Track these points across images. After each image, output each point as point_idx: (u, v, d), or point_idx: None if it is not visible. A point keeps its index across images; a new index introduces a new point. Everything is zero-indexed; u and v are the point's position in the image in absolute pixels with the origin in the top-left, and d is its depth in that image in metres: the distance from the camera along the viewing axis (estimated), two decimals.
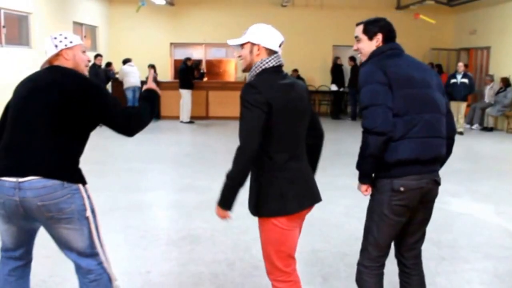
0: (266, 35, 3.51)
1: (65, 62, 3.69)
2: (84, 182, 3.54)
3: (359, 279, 3.88)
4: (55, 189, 3.34)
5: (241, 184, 3.28)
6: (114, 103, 3.68)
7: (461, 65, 16.37)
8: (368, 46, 3.76)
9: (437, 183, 3.68)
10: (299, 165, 3.47)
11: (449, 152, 3.85)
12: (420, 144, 3.50)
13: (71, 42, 3.74)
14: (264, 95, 3.23)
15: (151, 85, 4.04)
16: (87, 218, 3.49)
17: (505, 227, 6.85)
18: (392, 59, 3.64)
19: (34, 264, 4.51)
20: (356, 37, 3.83)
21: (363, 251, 3.84)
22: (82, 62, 3.82)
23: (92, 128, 3.63)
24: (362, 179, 3.71)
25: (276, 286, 3.57)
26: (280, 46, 3.52)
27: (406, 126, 3.48)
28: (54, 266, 5.23)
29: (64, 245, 3.56)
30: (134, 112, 3.79)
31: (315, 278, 5.20)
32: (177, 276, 5.16)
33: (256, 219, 3.53)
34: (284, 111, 3.29)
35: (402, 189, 3.51)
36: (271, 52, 3.46)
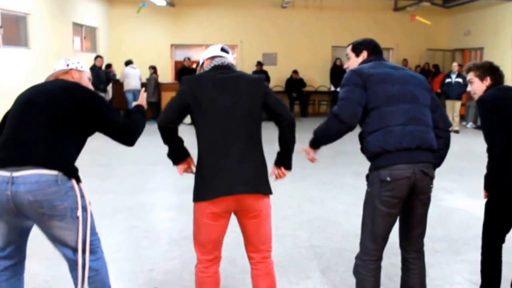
0: (205, 52, 3.97)
1: (71, 80, 3.86)
2: (78, 180, 3.54)
3: (356, 272, 4.03)
4: (49, 185, 3.34)
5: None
6: (115, 115, 3.82)
7: (455, 65, 16.49)
8: (356, 61, 4.18)
9: (426, 174, 3.78)
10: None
11: (446, 144, 4.02)
12: (401, 131, 3.69)
13: (81, 66, 3.97)
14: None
15: (142, 101, 4.25)
16: (77, 217, 3.47)
17: None
18: (370, 64, 3.99)
19: (36, 265, 4.64)
20: (346, 55, 4.28)
21: (361, 244, 3.98)
22: (86, 85, 3.95)
23: (90, 134, 3.75)
24: (313, 144, 4.06)
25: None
26: (222, 50, 3.93)
27: (385, 116, 3.73)
28: (55, 267, 5.20)
29: (57, 241, 3.56)
30: (133, 125, 3.93)
31: (314, 272, 5.31)
32: (179, 274, 5.24)
33: None
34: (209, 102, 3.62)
35: (388, 179, 3.68)
36: (212, 58, 3.88)
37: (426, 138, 3.77)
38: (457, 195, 8.30)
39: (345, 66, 4.32)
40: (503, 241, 4.37)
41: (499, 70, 4.46)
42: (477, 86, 4.43)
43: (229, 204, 3.62)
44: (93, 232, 3.69)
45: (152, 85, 18.17)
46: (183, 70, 18.09)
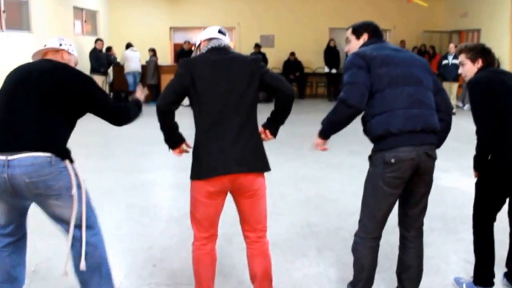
0: (203, 34, 4.03)
1: (60, 60, 3.90)
2: (71, 160, 3.62)
3: (354, 249, 4.08)
4: (43, 166, 3.43)
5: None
6: (105, 96, 3.92)
7: (452, 47, 16.50)
8: (356, 44, 4.16)
9: (430, 156, 3.83)
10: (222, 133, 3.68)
11: (448, 127, 4.06)
12: (405, 114, 3.71)
13: (72, 50, 4.01)
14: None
15: (140, 96, 4.36)
16: (71, 196, 3.55)
17: None
18: (372, 46, 3.98)
19: (39, 242, 4.71)
20: (346, 38, 4.26)
21: (360, 222, 4.04)
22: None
23: (80, 115, 3.80)
24: (321, 134, 4.01)
25: None
26: (219, 32, 3.97)
27: (390, 99, 3.73)
28: (58, 244, 5.29)
29: (56, 218, 3.68)
30: (123, 107, 4.01)
31: (310, 250, 5.38)
32: (177, 251, 5.30)
33: None
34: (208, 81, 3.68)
35: (393, 160, 3.70)
36: (209, 40, 3.91)
37: (430, 121, 3.81)
38: (453, 174, 8.35)
39: (345, 49, 4.32)
40: (494, 219, 4.41)
41: (491, 52, 4.46)
42: (469, 68, 4.43)
43: (224, 183, 3.67)
44: (90, 209, 3.77)
45: (152, 67, 18.33)
46: (182, 53, 18.21)
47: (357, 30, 4.17)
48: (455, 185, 7.72)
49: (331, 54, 20.47)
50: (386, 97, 3.74)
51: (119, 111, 3.96)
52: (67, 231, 3.66)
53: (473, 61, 4.39)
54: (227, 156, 3.63)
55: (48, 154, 3.45)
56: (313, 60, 21.78)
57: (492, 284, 4.45)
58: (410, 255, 4.13)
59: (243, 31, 21.73)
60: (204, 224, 3.86)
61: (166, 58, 21.50)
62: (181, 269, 4.89)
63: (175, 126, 3.90)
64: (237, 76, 3.70)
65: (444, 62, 16.25)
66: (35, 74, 3.66)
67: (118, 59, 18.65)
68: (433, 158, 3.88)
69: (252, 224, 3.93)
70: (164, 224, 6.16)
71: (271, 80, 3.80)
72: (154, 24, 21.61)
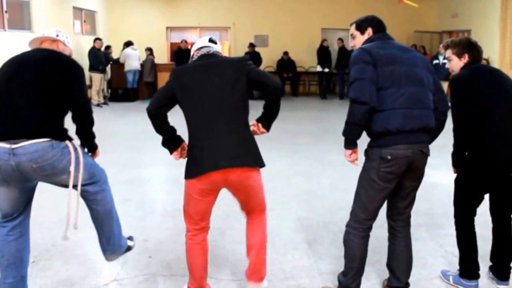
0: (195, 45, 4.19)
1: (56, 49, 4.07)
2: (70, 139, 3.83)
3: (346, 239, 4.18)
4: (47, 151, 3.62)
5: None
6: (85, 89, 4.10)
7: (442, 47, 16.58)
8: (362, 39, 4.19)
9: (424, 153, 3.95)
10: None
11: (441, 126, 4.15)
12: (405, 114, 3.79)
13: (68, 42, 4.19)
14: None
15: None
16: (69, 172, 3.76)
17: None
18: (378, 43, 4.01)
19: (39, 234, 4.80)
20: (351, 35, 4.29)
21: (352, 213, 4.14)
22: None
23: (71, 97, 3.92)
24: (346, 145, 4.02)
25: None
26: (210, 41, 4.13)
27: (391, 98, 3.80)
28: (56, 236, 5.39)
29: (62, 186, 3.89)
30: (91, 111, 4.11)
31: (301, 244, 5.49)
32: (172, 243, 5.40)
33: None
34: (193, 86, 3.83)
35: (389, 157, 3.81)
36: (199, 49, 4.08)
37: (427, 121, 3.91)
38: (441, 171, 8.35)
39: (350, 45, 4.34)
40: (474, 214, 4.49)
41: (477, 46, 4.46)
42: (455, 63, 4.46)
43: (216, 180, 3.78)
44: (90, 166, 4.01)
45: (149, 66, 18.68)
46: (180, 52, 18.58)
47: (361, 25, 4.21)
48: (443, 182, 7.80)
49: (324, 53, 20.59)
50: (388, 96, 3.81)
51: (88, 109, 4.06)
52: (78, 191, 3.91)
53: (459, 56, 4.42)
54: (218, 152, 3.74)
55: (48, 139, 3.65)
56: (305, 59, 21.95)
57: (478, 276, 4.51)
58: (399, 244, 4.25)
59: (238, 31, 21.90)
60: (195, 218, 4.01)
61: (162, 57, 21.82)
62: (176, 260, 4.99)
63: (171, 130, 4.01)
64: (223, 75, 3.82)
65: (435, 62, 16.33)
66: (32, 63, 3.82)
67: (116, 57, 18.87)
68: (427, 155, 3.99)
69: (250, 210, 4.16)
70: (159, 217, 6.26)
71: (258, 76, 3.90)
72: (151, 24, 21.91)
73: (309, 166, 9.08)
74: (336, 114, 14.60)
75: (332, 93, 21.91)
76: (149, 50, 18.97)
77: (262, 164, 3.95)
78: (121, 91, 18.68)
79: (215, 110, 3.77)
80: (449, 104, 4.24)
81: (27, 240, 4.06)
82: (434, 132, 4.08)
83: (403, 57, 3.94)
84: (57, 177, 3.78)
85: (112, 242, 4.23)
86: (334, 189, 7.56)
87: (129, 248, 4.48)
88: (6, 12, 13.25)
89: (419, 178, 4.11)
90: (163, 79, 17.86)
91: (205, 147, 3.77)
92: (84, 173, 3.85)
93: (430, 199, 7.05)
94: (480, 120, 4.20)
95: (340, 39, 20.50)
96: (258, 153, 3.93)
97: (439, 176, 8.16)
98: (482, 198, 4.47)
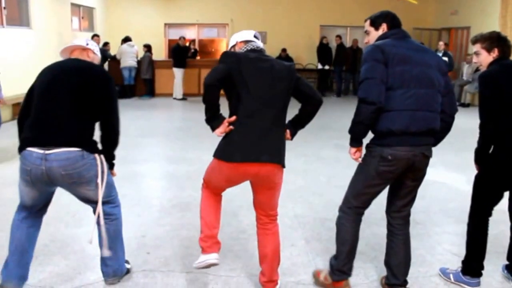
0: (239, 35, 4.24)
1: (86, 59, 4.24)
2: (100, 152, 4.04)
3: (337, 223, 4.28)
4: (77, 160, 3.83)
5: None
6: (116, 100, 4.22)
7: (441, 44, 16.61)
8: (376, 34, 4.17)
9: (426, 156, 3.96)
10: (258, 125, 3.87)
11: (448, 129, 4.12)
12: (411, 116, 3.79)
13: (97, 51, 4.37)
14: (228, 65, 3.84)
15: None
16: (97, 184, 3.99)
17: None
18: (393, 41, 3.97)
19: None
20: (365, 31, 4.28)
21: (345, 199, 4.21)
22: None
23: (102, 108, 4.08)
24: (352, 143, 4.06)
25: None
26: (255, 37, 4.18)
27: (399, 99, 3.79)
28: (54, 232, 5.56)
29: (86, 200, 4.13)
30: (118, 132, 4.24)
31: (298, 240, 5.51)
32: (169, 240, 5.43)
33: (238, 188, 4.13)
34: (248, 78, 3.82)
35: (390, 157, 3.84)
36: (246, 42, 4.12)
37: (433, 124, 3.91)
38: (436, 168, 8.35)
39: (365, 41, 4.34)
40: (490, 214, 4.46)
41: (507, 41, 4.36)
42: (484, 58, 4.36)
43: (249, 171, 3.86)
44: (112, 188, 4.27)
45: (146, 63, 18.58)
46: (178, 49, 18.47)
47: (376, 21, 4.19)
48: (439, 180, 7.81)
49: (324, 51, 20.55)
50: (396, 97, 3.80)
51: (117, 131, 4.21)
52: (92, 206, 4.15)
53: (489, 50, 4.33)
54: (257, 146, 3.82)
55: (80, 149, 3.86)
56: (304, 56, 21.99)
57: (481, 275, 4.53)
58: (397, 242, 4.27)
59: (236, 28, 21.76)
60: (213, 190, 4.11)
61: (160, 53, 21.81)
62: (173, 256, 5.01)
63: (218, 107, 3.95)
64: (277, 75, 3.89)
65: None
66: (66, 74, 4.00)
67: (113, 54, 18.83)
68: (429, 157, 4.01)
69: (266, 210, 4.15)
70: (156, 213, 6.27)
71: (304, 87, 4.03)
72: (149, 21, 22.00)
73: (305, 163, 9.10)
74: (333, 112, 14.64)
75: (330, 90, 21.90)
76: (147, 47, 18.94)
77: (285, 165, 4.04)
78: (118, 87, 18.58)
79: (266, 104, 3.85)
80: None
81: (37, 232, 4.31)
82: (440, 134, 4.09)
83: (416, 57, 3.90)
84: (82, 188, 3.98)
85: (115, 265, 4.39)
86: (330, 186, 7.57)
87: (128, 271, 4.62)
88: (4, 8, 13.24)
89: (420, 178, 4.12)
90: (161, 75, 18.08)
91: (249, 138, 3.83)
92: (105, 191, 4.07)
93: (427, 196, 7.06)
94: (505, 116, 4.17)
95: (338, 36, 20.56)
96: (285, 154, 4.03)
97: (435, 174, 8.15)
98: (500, 198, 4.44)
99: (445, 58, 15.85)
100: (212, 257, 3.99)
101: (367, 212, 4.22)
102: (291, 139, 4.16)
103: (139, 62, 18.62)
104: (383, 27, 4.13)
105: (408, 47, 3.95)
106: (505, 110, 4.15)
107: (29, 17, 14.73)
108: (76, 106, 3.89)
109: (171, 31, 23.00)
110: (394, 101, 3.79)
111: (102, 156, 4.05)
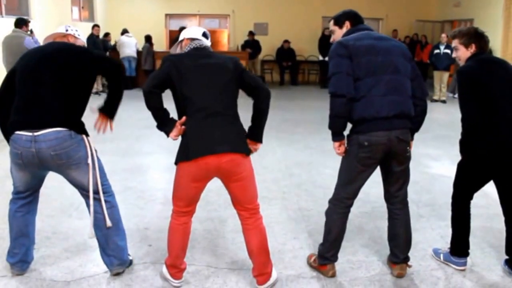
0: (187, 32, 4.27)
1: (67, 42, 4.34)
2: (87, 134, 4.11)
3: (326, 213, 4.50)
4: (65, 139, 3.90)
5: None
6: (106, 56, 4.45)
7: (444, 36, 16.52)
8: (340, 33, 4.40)
9: (401, 140, 4.10)
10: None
11: (423, 112, 4.31)
12: (380, 101, 4.01)
13: (79, 35, 4.48)
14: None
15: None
16: (87, 164, 4.05)
17: None
18: (356, 35, 4.19)
19: (39, 222, 4.85)
20: (331, 31, 4.50)
21: (334, 191, 4.43)
22: None
23: (89, 89, 4.20)
24: (333, 137, 4.24)
25: None
26: (204, 35, 4.27)
27: (367, 87, 4.02)
28: (57, 224, 5.56)
29: (79, 186, 4.17)
30: (119, 67, 4.40)
31: (302, 233, 5.50)
32: None
33: None
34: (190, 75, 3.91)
35: (366, 143, 4.05)
36: (192, 40, 4.18)
37: (404, 107, 4.10)
38: (443, 162, 8.47)
39: (331, 40, 4.50)
40: (471, 198, 4.66)
41: (485, 37, 4.51)
42: (462, 53, 4.51)
43: (209, 164, 3.85)
44: (103, 174, 4.28)
45: (145, 53, 18.51)
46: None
47: (339, 20, 4.42)
48: (445, 173, 7.79)
49: (325, 42, 20.47)
50: (365, 85, 4.01)
51: (117, 65, 4.38)
52: (85, 194, 4.19)
53: (466, 46, 4.46)
54: (212, 138, 3.85)
55: (67, 129, 3.93)
56: (305, 48, 21.85)
57: (467, 254, 4.73)
58: (396, 225, 4.49)
59: (238, 19, 21.84)
60: (183, 202, 4.10)
61: (161, 44, 21.69)
62: None
63: (166, 112, 4.03)
64: (220, 68, 4.00)
65: (436, 51, 16.30)
66: (48, 56, 4.06)
67: (113, 44, 18.81)
68: (405, 141, 4.16)
69: (243, 205, 4.14)
70: (159, 206, 6.25)
71: (249, 78, 4.12)
72: (150, 11, 21.89)
73: (309, 156, 9.06)
74: None
75: None
76: (146, 38, 18.85)
77: (249, 152, 4.09)
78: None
79: (213, 97, 3.93)
80: (457, 95, 4.26)
81: (33, 217, 4.41)
82: (417, 118, 4.26)
83: (380, 46, 4.12)
84: (71, 170, 4.04)
85: (117, 254, 4.40)
86: (334, 179, 7.38)
87: (130, 263, 4.64)
88: None
89: (403, 162, 4.26)
90: None
91: (200, 133, 3.86)
92: (92, 176, 4.11)
93: (431, 190, 7.08)
94: (485, 110, 4.26)
95: None
96: (247, 143, 4.09)
97: (440, 167, 8.20)
98: (481, 185, 4.59)
99: (448, 51, 15.83)
100: (175, 282, 4.31)
101: (371, 206, 4.25)
102: (261, 143, 4.25)
103: (139, 53, 18.54)
104: (347, 25, 4.37)
105: (371, 38, 4.17)
106: (481, 104, 4.25)
107: (29, 7, 14.61)
108: (61, 86, 3.96)
109: (172, 21, 22.92)
110: (363, 89, 4.01)
111: (89, 138, 4.11)
